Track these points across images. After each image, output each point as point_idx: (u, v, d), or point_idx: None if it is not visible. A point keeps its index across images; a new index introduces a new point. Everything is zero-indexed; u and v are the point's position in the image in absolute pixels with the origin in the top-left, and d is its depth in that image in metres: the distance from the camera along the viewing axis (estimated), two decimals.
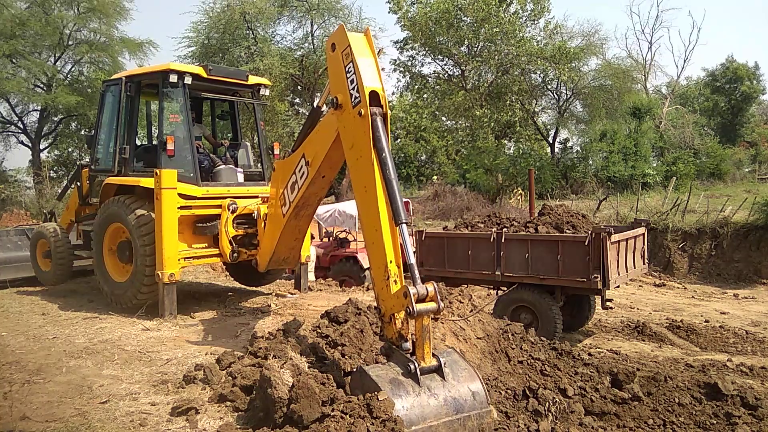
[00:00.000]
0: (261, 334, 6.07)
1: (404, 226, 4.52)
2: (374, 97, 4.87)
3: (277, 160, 6.99)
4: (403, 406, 4.02)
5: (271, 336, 5.76)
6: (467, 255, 8.51)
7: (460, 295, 6.60)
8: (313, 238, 13.11)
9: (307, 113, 6.29)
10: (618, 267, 7.87)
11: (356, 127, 4.92)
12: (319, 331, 5.51)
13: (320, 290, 10.04)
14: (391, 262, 4.56)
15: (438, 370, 4.30)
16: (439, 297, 4.29)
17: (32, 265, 10.12)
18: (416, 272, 4.37)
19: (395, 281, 4.50)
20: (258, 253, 7.60)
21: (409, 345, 4.40)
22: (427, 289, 4.23)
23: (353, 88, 4.93)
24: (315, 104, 6.02)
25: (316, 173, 5.92)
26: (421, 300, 4.20)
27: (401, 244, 4.58)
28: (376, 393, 4.03)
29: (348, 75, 4.99)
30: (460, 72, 28.93)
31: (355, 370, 4.59)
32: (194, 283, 10.82)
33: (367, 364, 4.71)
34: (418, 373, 4.20)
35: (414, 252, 5.41)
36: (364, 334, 5.40)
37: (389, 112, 5.04)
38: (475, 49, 27.76)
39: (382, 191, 4.67)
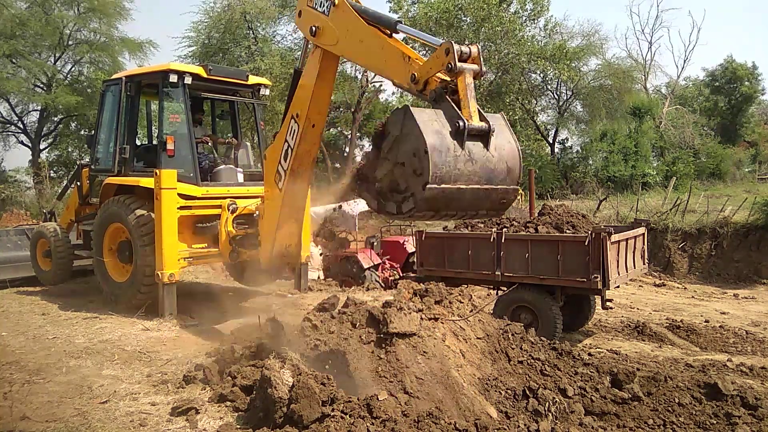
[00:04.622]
0: (260, 334, 6.07)
1: None
2: None
3: (266, 151, 6.96)
4: (440, 161, 3.89)
5: (271, 336, 5.75)
6: (467, 255, 8.50)
7: (460, 295, 6.59)
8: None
9: None
10: (618, 267, 7.86)
11: (341, 20, 5.20)
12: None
13: (320, 290, 10.03)
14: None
15: (485, 135, 4.11)
16: (482, 60, 4.13)
17: (32, 264, 10.12)
18: None
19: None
20: (259, 251, 7.57)
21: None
22: (470, 49, 4.11)
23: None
24: (295, 68, 6.19)
25: (306, 123, 5.97)
26: (463, 59, 4.05)
27: None
28: (423, 148, 3.84)
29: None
30: None
31: (400, 107, 4.33)
32: (194, 283, 10.82)
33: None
34: (466, 132, 3.97)
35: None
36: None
37: None
38: None
39: None
